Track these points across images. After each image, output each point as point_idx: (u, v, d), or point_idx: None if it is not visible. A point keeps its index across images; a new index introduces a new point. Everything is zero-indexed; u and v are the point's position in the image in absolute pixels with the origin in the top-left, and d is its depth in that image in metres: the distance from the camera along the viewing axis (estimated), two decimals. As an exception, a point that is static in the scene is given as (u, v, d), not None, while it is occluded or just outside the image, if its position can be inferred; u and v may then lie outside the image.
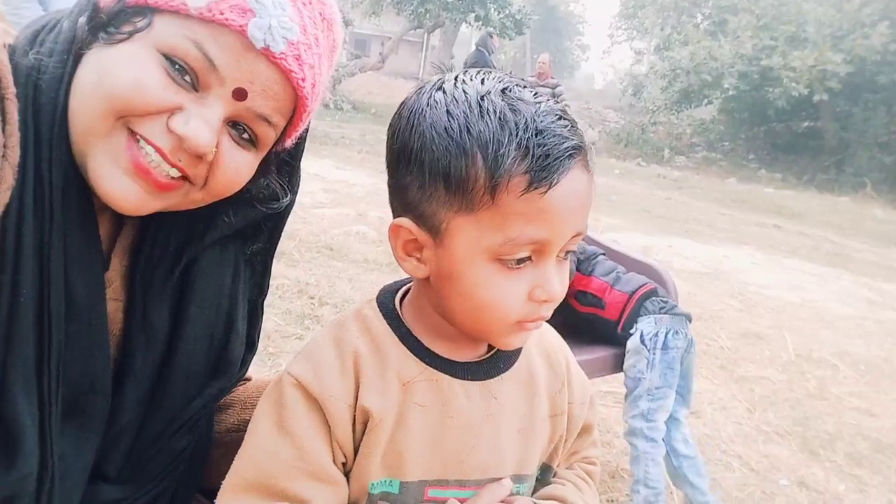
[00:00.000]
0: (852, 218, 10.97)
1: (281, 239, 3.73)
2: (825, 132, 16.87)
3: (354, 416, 0.70)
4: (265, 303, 0.93)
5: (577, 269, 2.15)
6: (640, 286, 2.07)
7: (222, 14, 0.65)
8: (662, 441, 2.01)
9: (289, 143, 0.80)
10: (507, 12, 19.01)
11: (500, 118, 0.62)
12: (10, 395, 0.65)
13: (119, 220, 0.78)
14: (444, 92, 0.66)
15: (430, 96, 0.66)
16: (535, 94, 0.65)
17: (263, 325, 3.20)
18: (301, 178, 0.90)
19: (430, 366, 0.72)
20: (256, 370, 2.65)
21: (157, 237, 0.78)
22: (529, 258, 0.65)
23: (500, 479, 0.73)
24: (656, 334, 1.95)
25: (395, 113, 0.70)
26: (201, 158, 0.69)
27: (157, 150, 0.67)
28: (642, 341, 1.95)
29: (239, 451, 0.71)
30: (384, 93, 19.54)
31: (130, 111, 0.66)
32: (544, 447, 0.78)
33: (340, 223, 5.03)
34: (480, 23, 18.44)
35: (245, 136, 0.72)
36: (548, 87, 10.16)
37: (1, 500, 0.66)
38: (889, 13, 15.51)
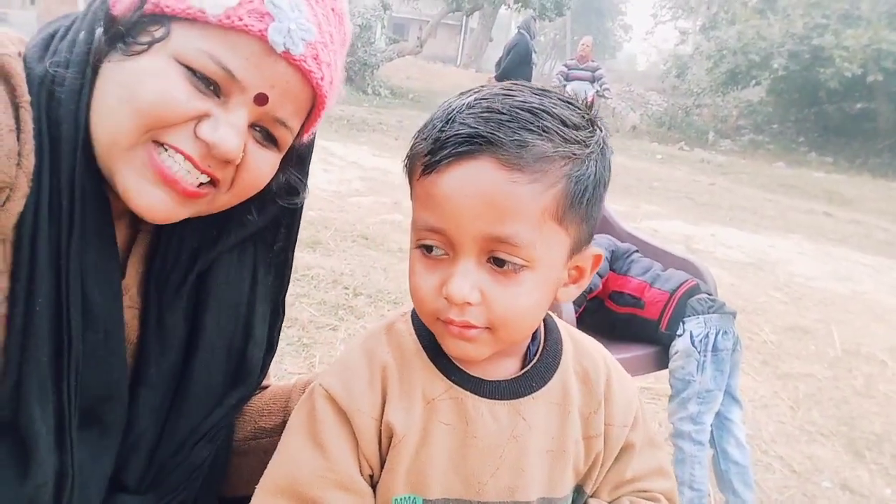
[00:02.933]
0: (906, 204, 10.54)
1: (317, 228, 3.76)
2: (879, 114, 16.18)
3: (380, 430, 0.70)
4: (300, 293, 0.93)
5: (611, 269, 2.09)
6: (681, 283, 2.00)
7: (241, 20, 0.65)
8: (709, 444, 1.97)
9: (306, 138, 0.81)
10: (547, -6, 18.71)
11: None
12: (24, 404, 0.65)
13: (135, 226, 0.78)
14: (472, 95, 0.68)
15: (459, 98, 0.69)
16: (530, 92, 0.65)
17: (298, 315, 3.22)
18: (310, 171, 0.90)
19: (456, 384, 0.71)
20: (291, 361, 2.68)
21: (171, 243, 0.79)
22: (446, 254, 0.64)
23: (527, 502, 0.72)
24: (706, 335, 1.89)
25: None
26: (229, 163, 0.70)
27: (188, 157, 0.68)
28: (692, 343, 1.90)
29: (273, 457, 0.73)
30: (423, 77, 19.49)
31: (159, 124, 0.66)
32: (578, 469, 0.76)
33: (376, 212, 5.04)
34: (520, 4, 18.20)
35: (266, 137, 0.73)
36: (589, 69, 9.99)
37: None
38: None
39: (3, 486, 0.66)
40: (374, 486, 0.72)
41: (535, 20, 10.61)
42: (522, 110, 0.62)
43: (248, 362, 0.87)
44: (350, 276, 3.66)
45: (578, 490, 0.78)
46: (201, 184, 0.70)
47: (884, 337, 4.14)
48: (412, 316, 0.76)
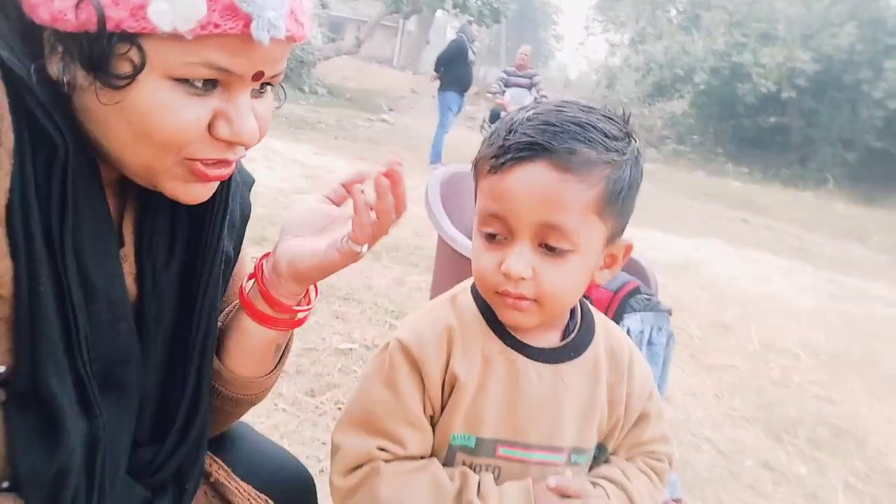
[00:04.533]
0: (815, 212, 11.33)
1: (263, 225, 3.80)
2: (791, 128, 17.29)
3: (444, 379, 0.84)
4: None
5: None
6: (624, 284, 2.16)
7: (218, 27, 0.62)
8: None
9: None
10: (484, 0, 19.01)
11: (507, 120, 0.80)
12: (42, 379, 0.67)
13: (124, 192, 0.79)
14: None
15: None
16: (578, 108, 0.80)
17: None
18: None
19: (509, 346, 0.85)
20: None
21: (159, 205, 0.79)
22: (505, 238, 0.79)
23: (560, 447, 0.86)
24: (641, 332, 2.05)
25: None
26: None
27: (215, 162, 0.71)
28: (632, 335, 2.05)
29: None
30: (359, 77, 19.40)
31: (180, 150, 0.68)
32: (602, 428, 0.90)
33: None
34: (458, 10, 18.41)
35: (262, 88, 0.74)
36: (527, 77, 10.21)
37: (53, 474, 0.69)
38: (856, 13, 15.92)
39: (36, 455, 0.69)
40: (433, 425, 0.86)
41: (471, 24, 10.77)
42: (572, 124, 0.76)
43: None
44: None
45: (601, 448, 0.92)
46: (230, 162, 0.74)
47: (796, 333, 4.50)
48: (472, 290, 0.90)
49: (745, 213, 10.18)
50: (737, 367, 3.70)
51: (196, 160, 0.70)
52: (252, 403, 0.93)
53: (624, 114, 0.84)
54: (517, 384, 0.84)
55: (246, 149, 0.74)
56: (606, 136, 0.77)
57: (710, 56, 16.70)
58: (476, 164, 0.82)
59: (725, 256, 6.55)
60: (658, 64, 17.73)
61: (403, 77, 21.32)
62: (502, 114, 9.39)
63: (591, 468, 0.92)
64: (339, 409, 2.13)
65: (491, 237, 0.80)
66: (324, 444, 2.12)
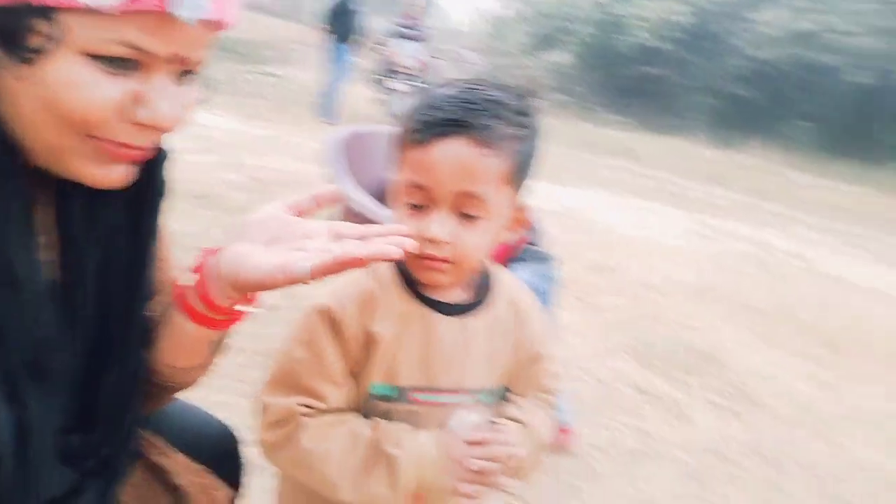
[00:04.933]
0: (687, 159, 12.18)
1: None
2: (667, 79, 18.26)
3: (365, 336, 0.93)
4: None
5: None
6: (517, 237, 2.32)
7: (136, 2, 0.62)
8: None
9: None
10: (368, -54, 18.42)
11: (430, 96, 0.90)
12: None
13: (46, 178, 0.77)
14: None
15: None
16: (494, 87, 0.90)
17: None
18: None
19: (424, 304, 0.95)
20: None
21: (82, 191, 0.77)
22: (426, 206, 0.88)
23: (469, 389, 0.98)
24: (531, 282, 2.23)
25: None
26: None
27: (123, 145, 0.70)
28: None
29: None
30: (252, 30, 18.45)
31: (90, 129, 0.67)
32: (506, 371, 1.03)
33: (212, 170, 4.92)
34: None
35: (186, 74, 0.73)
36: (417, 29, 10.02)
37: None
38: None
39: None
40: (355, 376, 0.96)
41: None
42: (489, 101, 0.87)
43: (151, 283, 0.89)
44: (189, 236, 3.61)
45: (507, 389, 1.05)
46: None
47: (669, 271, 4.94)
48: None
49: (625, 161, 10.80)
50: (613, 305, 4.05)
51: (105, 140, 0.68)
52: (187, 388, 0.95)
53: (529, 89, 0.95)
54: (430, 337, 0.94)
55: (162, 135, 0.74)
56: (517, 112, 0.89)
57: (594, 8, 17.21)
58: (400, 138, 0.89)
59: (607, 204, 6.99)
60: (545, 15, 18.10)
61: (287, 27, 20.45)
62: (394, 66, 9.29)
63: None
64: (244, 372, 2.19)
65: (413, 206, 0.88)
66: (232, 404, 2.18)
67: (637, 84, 18.79)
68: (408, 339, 0.94)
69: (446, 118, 0.84)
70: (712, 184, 10.11)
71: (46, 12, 0.60)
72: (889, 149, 14.35)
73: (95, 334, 0.82)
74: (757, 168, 12.07)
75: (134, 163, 0.74)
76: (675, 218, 6.98)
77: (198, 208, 4.13)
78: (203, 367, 0.91)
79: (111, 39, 0.63)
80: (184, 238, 3.72)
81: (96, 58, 0.63)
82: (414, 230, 0.84)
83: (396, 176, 0.90)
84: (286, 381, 0.92)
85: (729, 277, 5.11)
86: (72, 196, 0.78)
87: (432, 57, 9.92)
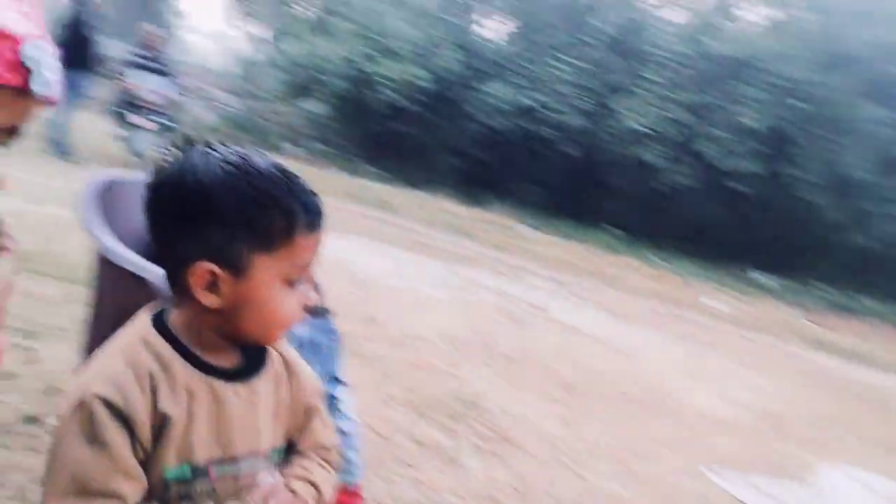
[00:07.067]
0: (437, 213, 13.04)
1: None
2: (414, 137, 19.51)
3: (153, 420, 0.88)
4: None
5: None
6: None
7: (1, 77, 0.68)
8: None
9: None
10: (107, -31, 16.98)
11: (286, 186, 0.91)
12: None
13: None
14: (235, 167, 0.88)
15: (223, 168, 0.87)
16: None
17: None
18: None
19: (208, 374, 0.94)
20: None
21: None
22: (299, 279, 0.94)
23: (262, 450, 0.99)
24: (311, 337, 2.23)
25: (177, 180, 0.88)
26: None
27: None
28: (298, 344, 2.20)
29: (49, 468, 0.85)
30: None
31: None
32: (289, 426, 1.06)
33: None
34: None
35: None
36: (158, 61, 9.35)
37: None
38: (458, 39, 18.67)
39: None
40: (144, 465, 0.88)
41: None
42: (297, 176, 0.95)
43: None
44: None
45: (291, 445, 1.08)
46: None
47: (430, 320, 5.21)
48: (157, 330, 0.94)
49: (382, 212, 11.21)
50: (384, 355, 4.15)
51: None
52: None
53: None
54: (221, 406, 0.94)
55: None
56: None
57: (343, 63, 17.81)
58: (288, 229, 0.89)
59: (368, 253, 7.18)
60: (298, 64, 18.24)
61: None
62: (134, 100, 8.55)
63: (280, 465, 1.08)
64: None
65: (293, 283, 0.92)
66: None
67: (389, 139, 19.77)
68: (199, 412, 0.92)
69: (321, 205, 0.93)
70: (461, 237, 10.95)
71: None
72: (598, 212, 16.96)
73: None
74: (497, 223, 13.39)
75: None
76: (431, 268, 7.41)
77: None
78: None
79: None
80: None
81: None
82: (296, 304, 0.93)
83: (283, 264, 0.91)
84: (74, 487, 0.83)
85: (482, 326, 5.55)
86: None
87: (180, 94, 9.38)
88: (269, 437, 1.01)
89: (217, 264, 0.87)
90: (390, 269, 6.72)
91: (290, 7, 20.99)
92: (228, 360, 0.97)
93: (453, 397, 3.77)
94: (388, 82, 17.31)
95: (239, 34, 24.59)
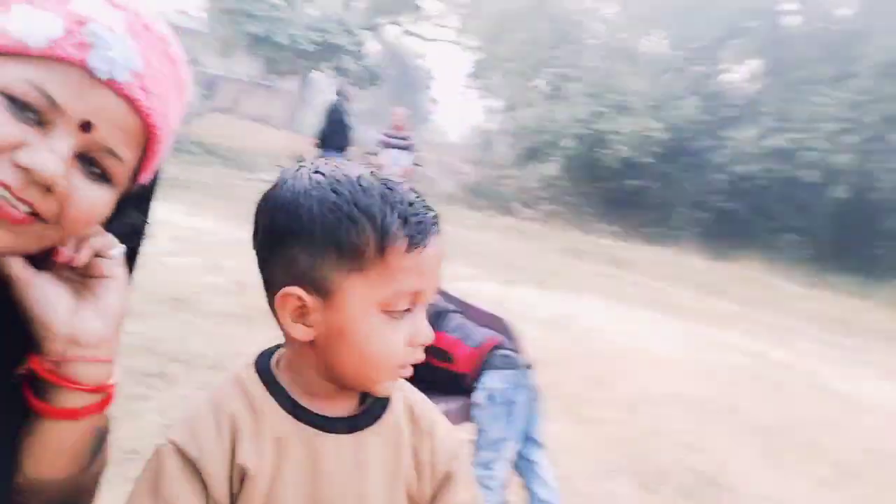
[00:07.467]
0: (675, 267, 12.20)
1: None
2: (650, 190, 18.74)
3: (231, 474, 0.75)
4: None
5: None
6: (487, 339, 2.19)
7: (63, 50, 0.64)
8: (500, 489, 2.14)
9: (145, 178, 0.79)
10: (362, 63, 19.43)
11: (380, 195, 0.75)
12: None
13: None
14: (324, 175, 0.76)
15: (311, 178, 0.76)
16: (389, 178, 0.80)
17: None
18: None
19: (303, 422, 0.78)
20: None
21: None
22: (408, 309, 0.77)
23: None
24: (502, 390, 2.08)
25: (271, 194, 0.78)
26: (51, 191, 0.66)
27: (3, 185, 0.64)
28: (488, 396, 2.08)
29: None
30: (236, 136, 19.01)
31: None
32: (412, 493, 0.85)
33: (191, 273, 4.79)
34: (335, 71, 18.69)
35: (96, 170, 0.70)
36: (404, 139, 10.45)
37: None
38: (697, 87, 17.74)
39: None
40: None
41: (348, 84, 10.92)
42: (415, 191, 0.80)
43: None
44: (162, 341, 3.42)
45: None
46: (24, 213, 0.66)
47: (665, 383, 4.72)
48: (256, 367, 0.82)
49: (615, 269, 10.78)
50: (610, 419, 3.80)
51: None
52: None
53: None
54: (316, 464, 0.78)
55: (42, 204, 0.66)
56: None
57: (575, 124, 17.92)
58: (381, 246, 0.74)
59: (597, 311, 6.85)
60: (529, 129, 18.79)
61: (281, 136, 21.12)
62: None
63: None
64: None
65: (396, 313, 0.77)
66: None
67: (623, 195, 19.27)
68: (289, 470, 0.77)
69: (431, 215, 0.78)
70: (704, 293, 10.04)
71: None
72: (873, 261, 14.48)
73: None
74: (748, 279, 12.09)
75: (3, 221, 0.66)
76: (667, 327, 6.83)
77: (175, 311, 3.95)
78: (82, 480, 0.78)
79: (25, 80, 0.64)
80: (155, 343, 3.50)
81: (7, 97, 0.64)
82: (400, 340, 0.78)
83: (378, 289, 0.76)
84: None
85: (728, 391, 4.89)
86: None
87: (415, 164, 10.25)
88: None
89: (304, 288, 0.74)
90: (620, 328, 6.31)
91: (525, 78, 21.89)
92: (339, 409, 0.82)
93: (689, 471, 3.29)
94: (620, 138, 17.00)
95: (476, 108, 26.22)
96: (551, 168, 19.99)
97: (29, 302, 0.71)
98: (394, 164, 9.84)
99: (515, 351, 2.24)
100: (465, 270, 7.75)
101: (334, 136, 9.15)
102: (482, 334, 2.22)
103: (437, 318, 2.27)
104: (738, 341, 6.76)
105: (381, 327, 0.76)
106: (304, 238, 0.74)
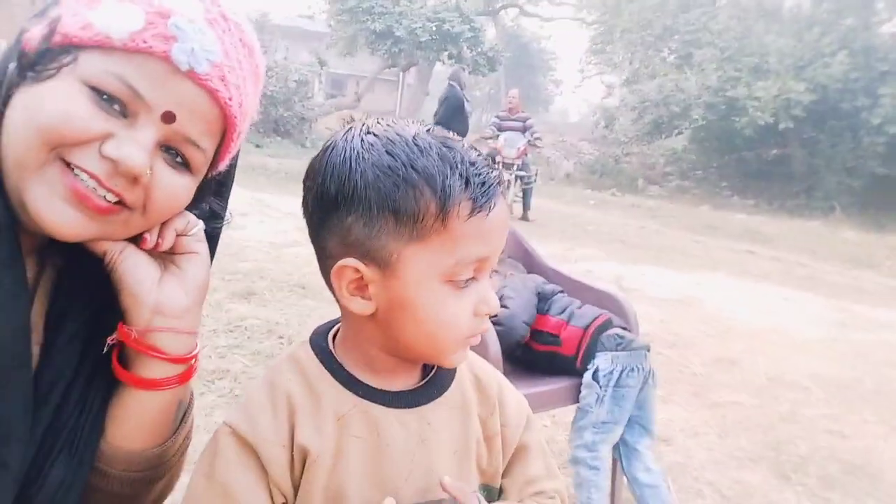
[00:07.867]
0: (823, 241, 11.18)
1: (252, 279, 3.72)
2: (793, 159, 17.27)
3: (292, 455, 0.72)
4: (232, 344, 0.90)
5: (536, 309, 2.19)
6: (594, 319, 2.11)
7: (145, 42, 0.66)
8: (606, 469, 2.08)
9: (222, 166, 0.81)
10: (479, 50, 19.41)
11: (439, 154, 0.69)
12: None
13: (42, 263, 0.77)
14: (377, 135, 0.71)
15: (363, 140, 0.71)
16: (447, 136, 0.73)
17: (230, 367, 3.13)
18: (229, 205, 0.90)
19: (364, 398, 0.75)
20: (222, 413, 2.62)
21: (74, 281, 0.77)
22: (473, 277, 0.72)
23: (441, 500, 0.75)
24: (611, 372, 1.99)
25: (320, 159, 0.74)
26: (137, 181, 0.69)
27: (92, 176, 0.67)
28: (595, 378, 2.00)
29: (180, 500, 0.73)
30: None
31: (62, 141, 0.66)
32: (482, 467, 0.81)
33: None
34: (453, 61, 18.80)
35: (178, 159, 0.72)
36: (519, 120, 10.33)
37: None
38: (847, 42, 16.05)
39: None
40: None
41: (464, 70, 10.93)
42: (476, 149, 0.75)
43: None
44: (285, 325, 3.62)
45: (487, 489, 0.82)
46: (110, 202, 0.70)
47: (805, 365, 4.34)
48: (311, 343, 0.80)
49: (751, 244, 10.06)
50: (742, 403, 3.55)
51: (72, 166, 0.67)
52: (153, 484, 0.82)
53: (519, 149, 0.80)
54: (380, 441, 0.74)
55: (129, 194, 0.69)
56: None
57: (705, 92, 16.84)
58: (442, 212, 0.68)
59: (730, 290, 6.42)
60: (653, 102, 17.91)
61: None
62: (497, 157, 9.51)
63: None
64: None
65: (461, 282, 0.72)
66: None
67: (761, 165, 17.92)
68: (352, 447, 0.73)
69: (494, 175, 0.72)
70: (854, 268, 9.14)
71: (69, 49, 0.67)
72: None
73: (49, 422, 0.74)
74: (908, 250, 10.84)
75: (91, 212, 0.69)
76: (810, 304, 6.27)
77: (299, 298, 4.17)
78: (167, 453, 0.81)
79: (111, 73, 0.67)
80: (278, 327, 3.71)
81: (93, 89, 0.67)
82: (466, 310, 0.73)
83: (440, 257, 0.70)
84: None
85: (879, 372, 4.41)
86: (70, 281, 0.77)
87: (532, 144, 10.15)
88: (451, 479, 0.77)
89: (361, 260, 0.69)
90: (755, 306, 5.87)
91: (649, 49, 20.90)
92: (400, 383, 0.78)
93: (831, 458, 3.00)
94: (757, 103, 15.76)
95: (596, 85, 25.48)
96: (678, 142, 18.98)
97: (118, 273, 0.75)
98: (509, 146, 9.77)
99: (629, 330, 2.14)
100: (583, 250, 7.55)
101: (451, 122, 9.21)
102: (590, 313, 2.15)
103: (543, 301, 2.22)
104: (891, 319, 6.08)
105: (445, 298, 0.71)
106: (358, 205, 0.68)
